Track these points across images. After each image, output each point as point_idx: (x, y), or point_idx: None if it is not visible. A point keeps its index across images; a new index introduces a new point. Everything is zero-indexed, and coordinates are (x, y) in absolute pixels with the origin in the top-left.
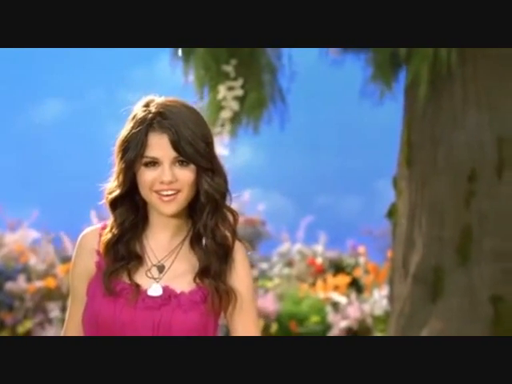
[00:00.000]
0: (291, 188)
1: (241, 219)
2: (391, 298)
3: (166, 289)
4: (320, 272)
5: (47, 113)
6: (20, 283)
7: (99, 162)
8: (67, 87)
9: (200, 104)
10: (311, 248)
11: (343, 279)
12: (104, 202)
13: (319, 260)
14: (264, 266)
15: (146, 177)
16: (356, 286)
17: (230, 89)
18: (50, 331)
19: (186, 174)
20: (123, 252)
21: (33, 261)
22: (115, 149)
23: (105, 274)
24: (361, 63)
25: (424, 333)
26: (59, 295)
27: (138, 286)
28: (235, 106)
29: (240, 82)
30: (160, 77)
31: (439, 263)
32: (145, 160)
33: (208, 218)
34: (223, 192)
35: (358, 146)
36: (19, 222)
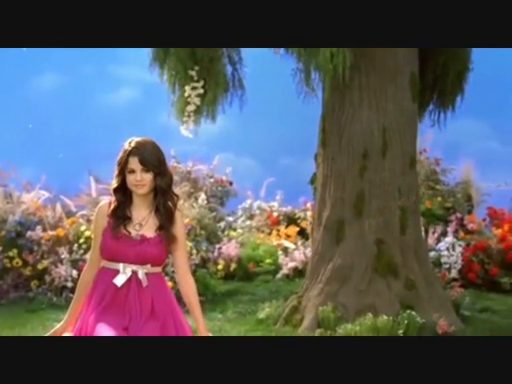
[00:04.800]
0: (258, 153)
1: (211, 180)
2: (312, 242)
3: (142, 236)
4: (275, 224)
5: (45, 85)
6: (37, 232)
7: (89, 127)
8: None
9: (171, 98)
10: (269, 204)
11: (293, 229)
12: (110, 189)
13: (275, 214)
14: (230, 219)
15: (129, 178)
16: (303, 234)
17: (194, 88)
18: (62, 268)
19: (148, 176)
20: (121, 215)
21: (46, 215)
22: (116, 164)
23: (113, 228)
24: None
25: (330, 266)
26: (67, 241)
27: (129, 233)
28: (197, 101)
29: (201, 83)
30: (146, 53)
31: (341, 217)
32: (128, 170)
33: (161, 198)
34: (169, 185)
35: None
36: (31, 183)
